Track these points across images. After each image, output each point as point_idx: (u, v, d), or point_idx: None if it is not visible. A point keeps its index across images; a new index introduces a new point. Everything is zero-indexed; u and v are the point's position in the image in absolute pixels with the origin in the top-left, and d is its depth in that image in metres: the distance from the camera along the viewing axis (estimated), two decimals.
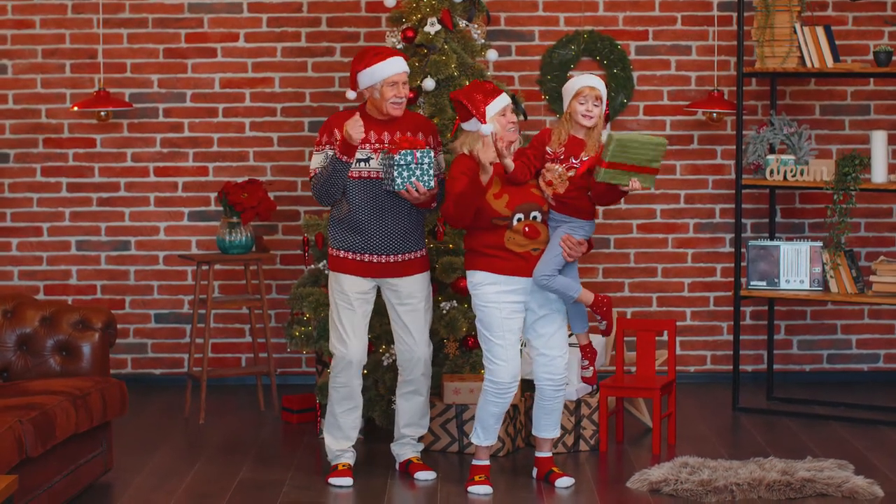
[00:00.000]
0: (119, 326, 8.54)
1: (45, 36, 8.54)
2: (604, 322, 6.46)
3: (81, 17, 8.53)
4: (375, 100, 6.45)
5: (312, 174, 6.48)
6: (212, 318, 8.57)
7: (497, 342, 6.33)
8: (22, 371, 6.47)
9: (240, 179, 8.42)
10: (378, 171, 6.43)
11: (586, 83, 6.32)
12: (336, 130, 6.43)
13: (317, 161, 6.48)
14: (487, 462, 6.53)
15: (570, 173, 6.30)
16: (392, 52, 6.47)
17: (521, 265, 6.33)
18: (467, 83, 7.33)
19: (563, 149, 6.32)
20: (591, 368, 6.56)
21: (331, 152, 6.42)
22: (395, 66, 6.41)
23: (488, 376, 6.37)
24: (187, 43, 8.58)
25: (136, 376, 8.67)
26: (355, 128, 6.28)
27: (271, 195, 8.45)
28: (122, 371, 8.66)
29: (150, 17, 8.56)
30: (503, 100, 6.34)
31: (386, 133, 6.46)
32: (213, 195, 8.59)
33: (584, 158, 6.30)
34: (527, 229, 6.30)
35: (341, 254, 6.52)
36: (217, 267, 8.56)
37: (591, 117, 6.30)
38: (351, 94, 6.51)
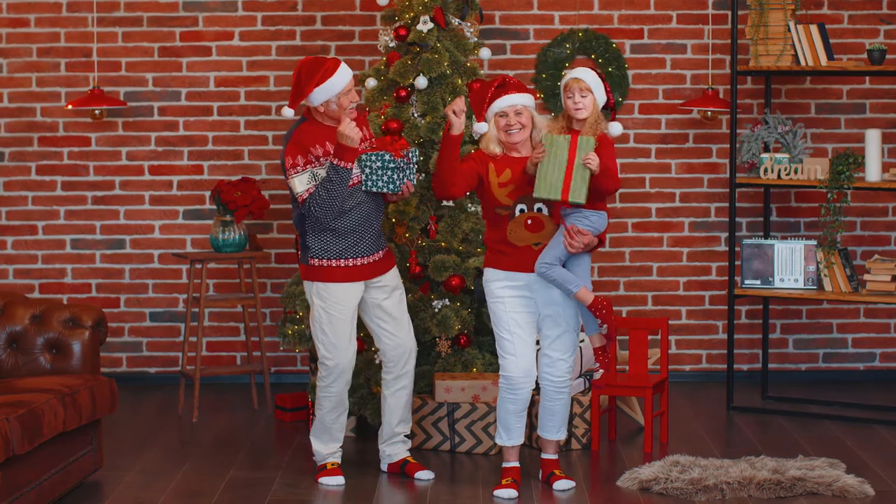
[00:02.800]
0: (114, 325, 8.55)
1: (40, 34, 8.54)
2: (604, 325, 6.32)
3: (76, 16, 8.53)
4: (332, 111, 6.35)
5: (305, 196, 6.28)
6: (206, 317, 8.58)
7: (504, 336, 6.30)
8: (12, 369, 6.47)
9: (234, 178, 8.42)
10: (357, 175, 6.39)
11: (571, 76, 6.28)
12: (316, 146, 6.32)
13: (303, 183, 6.29)
14: (516, 464, 6.45)
15: None
16: (335, 61, 6.34)
17: (521, 260, 6.28)
18: (459, 82, 7.33)
19: None
20: (602, 372, 6.46)
21: (318, 171, 6.30)
22: (346, 76, 6.33)
23: (501, 371, 6.36)
24: (182, 41, 8.57)
25: (131, 375, 8.67)
26: (354, 129, 6.23)
27: (265, 193, 8.44)
28: (118, 369, 8.66)
29: (144, 16, 8.56)
30: (507, 100, 6.24)
31: None
32: (207, 194, 8.58)
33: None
34: (529, 222, 6.25)
35: (329, 263, 6.41)
36: (211, 265, 8.55)
37: (580, 108, 6.24)
38: (289, 112, 6.32)
